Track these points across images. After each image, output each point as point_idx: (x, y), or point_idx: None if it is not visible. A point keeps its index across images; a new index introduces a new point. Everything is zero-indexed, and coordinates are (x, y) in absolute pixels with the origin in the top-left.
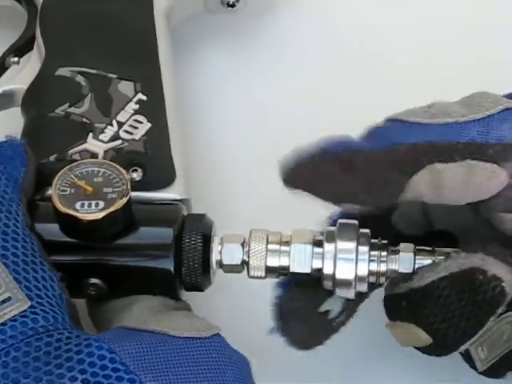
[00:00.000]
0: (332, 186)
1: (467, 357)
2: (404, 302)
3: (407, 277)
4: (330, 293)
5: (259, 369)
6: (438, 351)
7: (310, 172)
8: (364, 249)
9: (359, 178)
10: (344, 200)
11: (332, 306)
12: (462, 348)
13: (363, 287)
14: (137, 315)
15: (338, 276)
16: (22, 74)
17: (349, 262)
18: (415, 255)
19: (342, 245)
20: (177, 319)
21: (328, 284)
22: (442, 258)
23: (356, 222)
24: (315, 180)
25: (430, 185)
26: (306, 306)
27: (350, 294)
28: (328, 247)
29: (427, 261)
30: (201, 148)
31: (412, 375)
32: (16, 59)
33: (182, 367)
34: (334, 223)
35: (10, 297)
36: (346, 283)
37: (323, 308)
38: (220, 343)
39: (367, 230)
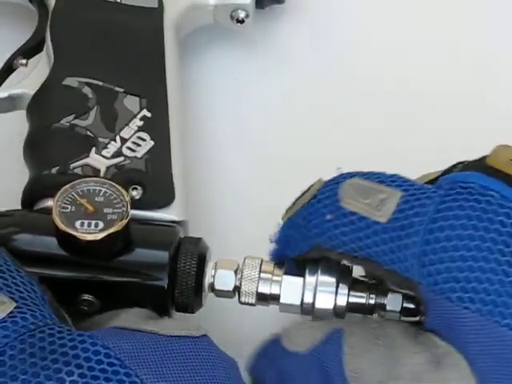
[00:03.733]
0: None
1: None
2: None
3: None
4: None
5: None
6: None
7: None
8: (344, 286)
9: None
10: None
11: None
12: None
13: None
14: (125, 319)
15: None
16: (30, 79)
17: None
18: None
19: (323, 279)
20: (165, 322)
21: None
22: None
23: None
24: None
25: None
26: None
27: None
28: (309, 279)
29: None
30: (202, 168)
31: None
32: (24, 61)
33: (175, 363)
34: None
35: None
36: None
37: None
38: (209, 343)
39: (349, 266)
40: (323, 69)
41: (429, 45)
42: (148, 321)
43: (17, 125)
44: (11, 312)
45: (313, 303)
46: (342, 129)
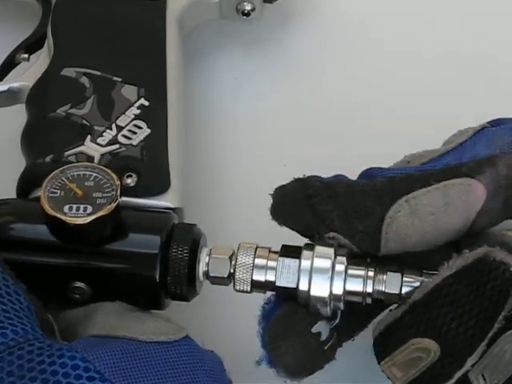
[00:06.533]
0: (313, 216)
1: None
2: (407, 318)
3: (403, 299)
4: (318, 316)
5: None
6: (445, 368)
7: (294, 200)
8: (340, 267)
9: (340, 205)
10: (326, 229)
11: (322, 329)
12: (468, 363)
13: (339, 305)
14: (103, 322)
15: (313, 293)
16: (30, 72)
17: (324, 279)
18: (403, 276)
19: (319, 262)
20: (144, 323)
21: (303, 301)
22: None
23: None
24: (298, 209)
25: (412, 217)
26: (298, 325)
27: (325, 311)
28: (304, 263)
29: (416, 283)
30: (205, 157)
31: None
32: (26, 56)
33: (155, 372)
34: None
35: None
36: (320, 300)
37: (315, 329)
38: (189, 345)
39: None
40: (327, 70)
41: (443, 48)
42: (127, 320)
43: (19, 118)
44: None
45: (308, 290)
46: (345, 129)
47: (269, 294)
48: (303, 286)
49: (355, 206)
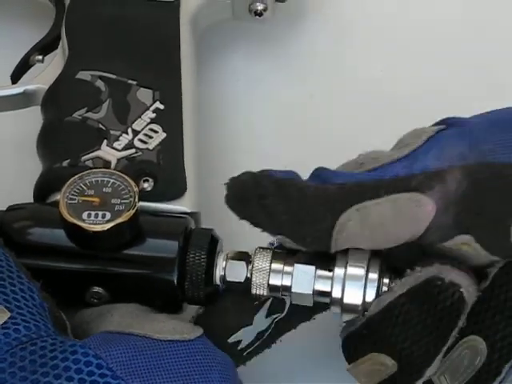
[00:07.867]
0: (268, 215)
1: None
2: (365, 331)
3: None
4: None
5: None
6: (405, 378)
7: (245, 197)
8: (374, 276)
9: (291, 209)
10: (276, 230)
11: (243, 337)
12: (427, 373)
13: None
14: (118, 320)
15: (346, 301)
16: (45, 74)
17: (358, 287)
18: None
19: (352, 270)
20: (159, 322)
21: (336, 309)
22: None
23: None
24: (250, 207)
25: (362, 226)
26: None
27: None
28: (338, 271)
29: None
30: (218, 160)
31: None
32: (40, 57)
33: (168, 370)
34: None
35: None
36: (353, 308)
37: (233, 339)
38: (204, 345)
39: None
40: (350, 67)
41: (453, 47)
42: (142, 320)
43: (33, 122)
44: (5, 323)
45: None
46: (346, 130)
47: None
48: (336, 294)
49: (307, 211)
